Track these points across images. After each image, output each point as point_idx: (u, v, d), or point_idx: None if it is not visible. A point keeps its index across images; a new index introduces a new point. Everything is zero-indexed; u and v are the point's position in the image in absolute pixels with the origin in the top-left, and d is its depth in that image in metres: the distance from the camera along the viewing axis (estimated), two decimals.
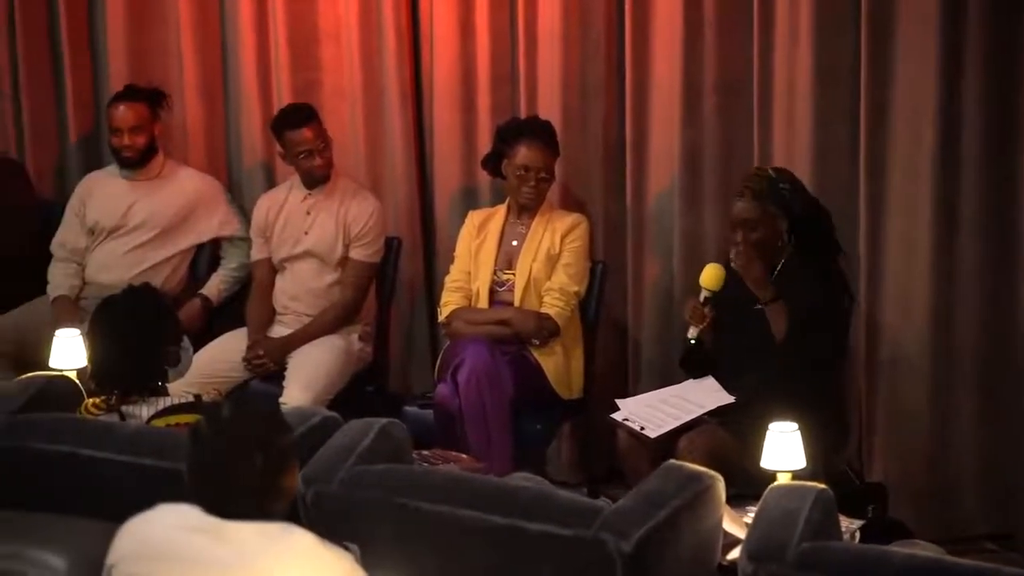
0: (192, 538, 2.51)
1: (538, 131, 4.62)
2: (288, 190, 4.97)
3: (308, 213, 4.89)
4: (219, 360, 4.75)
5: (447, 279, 4.74)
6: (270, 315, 4.93)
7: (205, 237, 5.16)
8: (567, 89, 4.86)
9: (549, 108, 4.85)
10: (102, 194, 5.12)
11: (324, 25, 5.20)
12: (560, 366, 4.60)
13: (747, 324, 4.15)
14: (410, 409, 4.63)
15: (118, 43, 5.40)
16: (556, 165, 4.66)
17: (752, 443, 3.72)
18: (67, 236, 5.13)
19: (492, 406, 4.41)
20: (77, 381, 3.69)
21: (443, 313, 4.69)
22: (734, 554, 3.11)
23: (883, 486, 4.29)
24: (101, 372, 3.56)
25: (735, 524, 3.31)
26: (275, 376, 4.75)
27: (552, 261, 4.60)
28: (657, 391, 4.34)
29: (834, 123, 4.53)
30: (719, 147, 4.72)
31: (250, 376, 4.79)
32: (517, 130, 4.64)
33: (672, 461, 3.14)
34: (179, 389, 3.73)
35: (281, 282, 4.95)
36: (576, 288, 4.60)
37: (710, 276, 4.17)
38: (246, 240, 5.08)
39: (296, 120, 4.81)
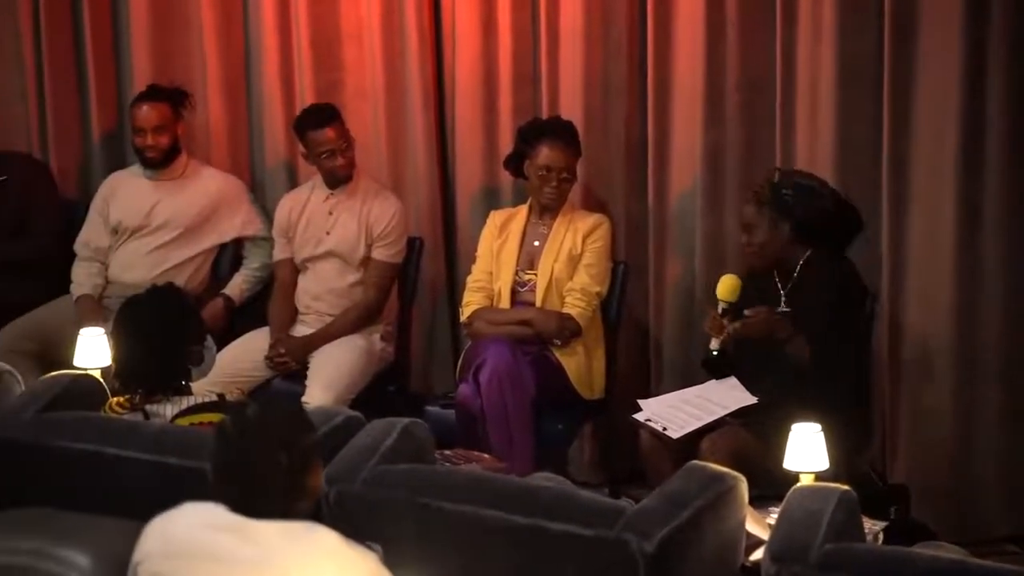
0: (217, 537, 2.52)
1: (560, 131, 4.62)
2: (310, 190, 4.98)
3: (330, 213, 4.90)
4: (242, 359, 4.76)
5: (469, 279, 4.75)
6: (292, 315, 4.94)
7: (228, 237, 5.17)
8: (589, 89, 4.86)
9: (571, 108, 4.85)
10: (125, 194, 5.14)
11: (346, 26, 5.20)
12: (582, 366, 4.60)
13: None
14: (431, 409, 4.63)
15: (142, 43, 5.41)
16: (578, 165, 4.66)
17: (775, 444, 3.72)
18: (90, 235, 5.15)
19: (514, 406, 4.42)
20: (101, 380, 3.70)
21: (465, 313, 4.69)
22: (757, 555, 3.11)
23: (906, 487, 4.28)
24: (125, 371, 3.57)
25: (758, 525, 3.31)
26: (297, 375, 4.76)
27: (574, 261, 4.60)
28: (679, 391, 4.33)
29: (857, 122, 4.52)
30: (741, 147, 4.71)
31: (272, 375, 4.81)
32: (539, 130, 4.64)
33: (695, 462, 3.14)
34: (202, 388, 3.75)
35: (303, 282, 4.96)
36: (598, 288, 4.60)
37: (726, 287, 4.16)
38: (268, 240, 5.10)
39: (318, 120, 4.82)
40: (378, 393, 4.82)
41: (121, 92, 5.50)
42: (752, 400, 4.13)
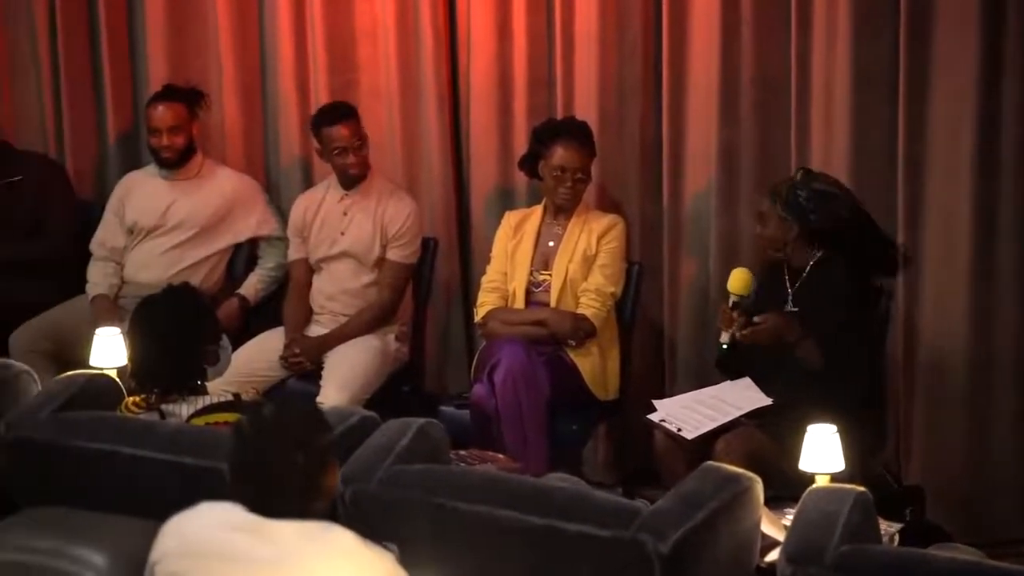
0: (234, 536, 2.52)
1: (574, 132, 4.62)
2: (325, 190, 4.99)
3: (345, 213, 4.91)
4: (257, 359, 4.77)
5: (483, 280, 4.75)
6: (307, 315, 4.95)
7: (243, 237, 5.18)
8: (604, 90, 4.86)
9: (586, 109, 4.85)
10: (141, 194, 5.15)
11: (362, 26, 5.21)
12: (596, 367, 4.60)
13: None
14: (446, 409, 4.63)
15: (157, 43, 5.43)
16: (592, 166, 4.66)
17: (789, 445, 3.71)
18: (106, 235, 5.17)
19: (528, 406, 4.42)
20: (117, 380, 3.71)
21: (479, 313, 4.69)
22: (772, 556, 3.11)
23: (921, 489, 4.28)
24: (141, 371, 3.58)
25: (773, 526, 3.31)
26: (311, 375, 4.76)
27: (588, 262, 4.61)
28: (694, 392, 4.33)
29: (872, 125, 4.52)
30: (756, 147, 4.71)
31: (287, 375, 4.81)
32: (553, 131, 4.64)
33: (710, 462, 3.14)
34: (218, 388, 3.75)
35: (318, 282, 4.97)
36: (612, 289, 4.60)
37: (737, 280, 4.17)
38: (283, 240, 5.10)
39: (333, 116, 4.83)
40: (392, 393, 4.82)
41: (137, 92, 5.51)
42: (767, 401, 4.13)
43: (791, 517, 2.95)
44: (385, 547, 2.60)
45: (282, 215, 5.18)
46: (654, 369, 4.93)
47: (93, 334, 4.10)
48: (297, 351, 4.79)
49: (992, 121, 4.36)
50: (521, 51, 4.98)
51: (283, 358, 4.80)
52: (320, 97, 5.18)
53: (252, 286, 5.15)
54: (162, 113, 5.05)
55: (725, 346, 4.17)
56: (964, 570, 2.70)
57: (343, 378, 4.67)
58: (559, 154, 4.58)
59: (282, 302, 5.02)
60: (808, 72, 4.56)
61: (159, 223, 5.10)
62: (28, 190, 5.24)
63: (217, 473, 2.86)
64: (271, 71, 5.37)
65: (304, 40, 5.25)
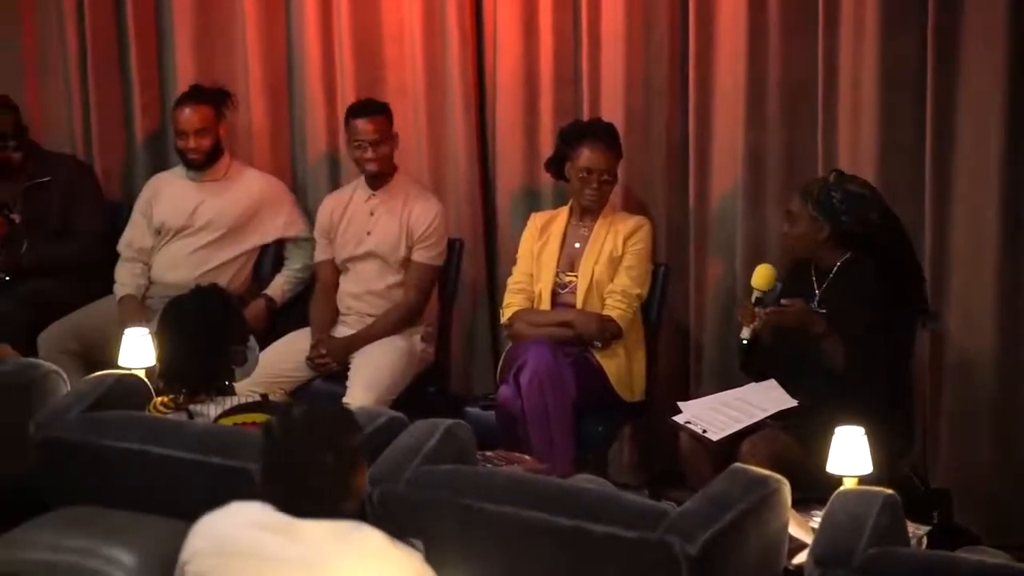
0: (264, 536, 2.54)
1: (601, 133, 4.62)
2: (353, 190, 5.00)
3: (372, 214, 4.92)
4: (284, 360, 4.79)
5: (509, 281, 4.75)
6: (333, 315, 4.96)
7: (270, 238, 5.20)
8: (630, 90, 4.86)
9: (612, 109, 4.85)
10: (169, 195, 5.18)
11: (388, 27, 5.22)
12: (622, 368, 4.60)
13: None
14: (472, 410, 4.63)
15: (185, 44, 5.45)
16: (619, 167, 4.65)
17: (815, 447, 3.71)
18: (134, 236, 5.19)
19: (554, 408, 4.42)
20: (146, 380, 3.73)
21: (505, 315, 4.70)
22: (800, 558, 3.10)
23: (948, 491, 4.27)
24: (169, 371, 3.59)
25: (801, 528, 3.31)
26: (338, 376, 4.77)
27: (614, 263, 4.60)
28: (719, 394, 4.32)
29: (899, 125, 4.50)
30: (783, 148, 4.70)
31: (314, 376, 4.83)
32: (580, 132, 4.64)
33: (738, 464, 3.13)
34: (246, 388, 3.77)
35: (344, 283, 4.98)
36: (638, 290, 4.60)
37: (761, 276, 4.18)
38: (310, 241, 5.12)
39: (362, 110, 4.85)
40: (418, 394, 4.83)
41: (164, 94, 5.54)
42: (792, 403, 4.12)
43: (818, 519, 2.95)
44: (411, 544, 2.61)
45: (309, 216, 5.19)
46: (679, 371, 4.93)
47: (121, 335, 4.12)
48: (324, 352, 4.81)
49: (1020, 121, 4.34)
50: (547, 50, 4.98)
51: (310, 359, 4.81)
52: (347, 97, 5.18)
53: (279, 287, 5.16)
54: (189, 116, 5.07)
55: (745, 341, 4.17)
56: (992, 573, 2.69)
57: (369, 379, 4.68)
58: (585, 156, 4.58)
59: (309, 303, 5.03)
60: (835, 72, 4.55)
61: (187, 224, 5.12)
62: (57, 191, 5.27)
63: (245, 473, 2.88)
64: (298, 72, 5.39)
65: (331, 40, 5.27)
